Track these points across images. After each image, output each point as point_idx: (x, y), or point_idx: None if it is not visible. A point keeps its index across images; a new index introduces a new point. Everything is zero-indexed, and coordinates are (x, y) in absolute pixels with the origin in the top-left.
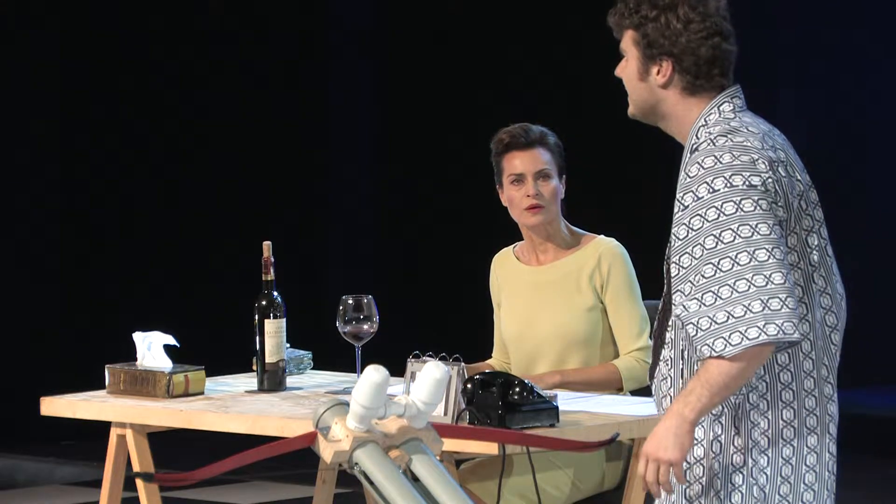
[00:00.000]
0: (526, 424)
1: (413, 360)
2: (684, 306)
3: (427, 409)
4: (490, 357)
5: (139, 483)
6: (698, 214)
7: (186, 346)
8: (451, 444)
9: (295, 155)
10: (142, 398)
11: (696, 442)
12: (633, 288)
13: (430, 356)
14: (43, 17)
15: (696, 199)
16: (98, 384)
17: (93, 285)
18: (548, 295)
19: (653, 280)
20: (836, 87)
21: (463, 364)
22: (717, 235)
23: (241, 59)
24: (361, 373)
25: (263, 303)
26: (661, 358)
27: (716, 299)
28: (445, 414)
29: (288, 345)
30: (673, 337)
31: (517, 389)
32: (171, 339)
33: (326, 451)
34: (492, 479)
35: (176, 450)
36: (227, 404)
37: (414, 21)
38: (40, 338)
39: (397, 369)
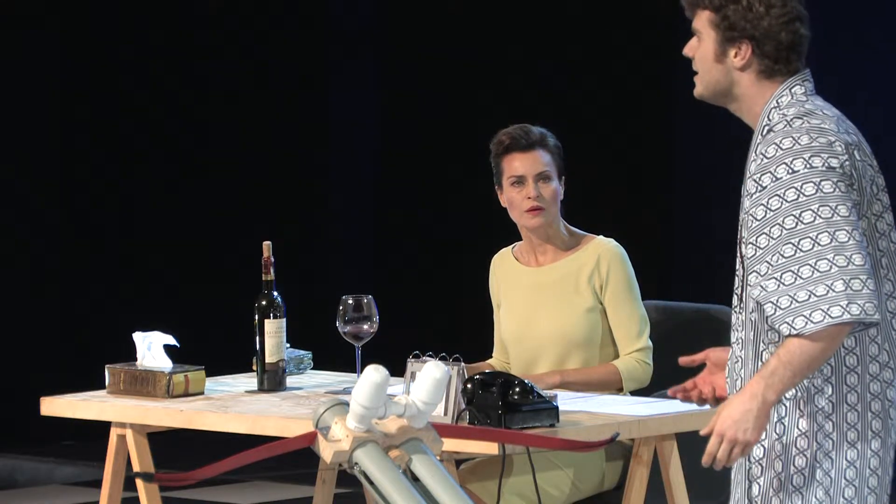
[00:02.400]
0: (526, 424)
1: (413, 360)
2: (762, 286)
3: (427, 409)
4: (490, 357)
5: (139, 483)
6: (776, 195)
7: (186, 347)
8: (451, 444)
9: (295, 155)
10: (142, 398)
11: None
12: (632, 288)
13: (429, 356)
14: (43, 17)
15: (774, 179)
16: (98, 384)
17: (93, 285)
18: (547, 296)
19: (652, 280)
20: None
21: (463, 364)
22: (797, 216)
23: (241, 59)
24: (361, 373)
25: (263, 303)
26: (734, 340)
27: (795, 279)
28: (445, 414)
29: (288, 345)
30: (744, 319)
31: (517, 389)
32: (171, 339)
33: (326, 451)
34: (492, 479)
35: (176, 450)
36: (227, 404)
37: (414, 21)
38: (40, 338)
39: (397, 369)
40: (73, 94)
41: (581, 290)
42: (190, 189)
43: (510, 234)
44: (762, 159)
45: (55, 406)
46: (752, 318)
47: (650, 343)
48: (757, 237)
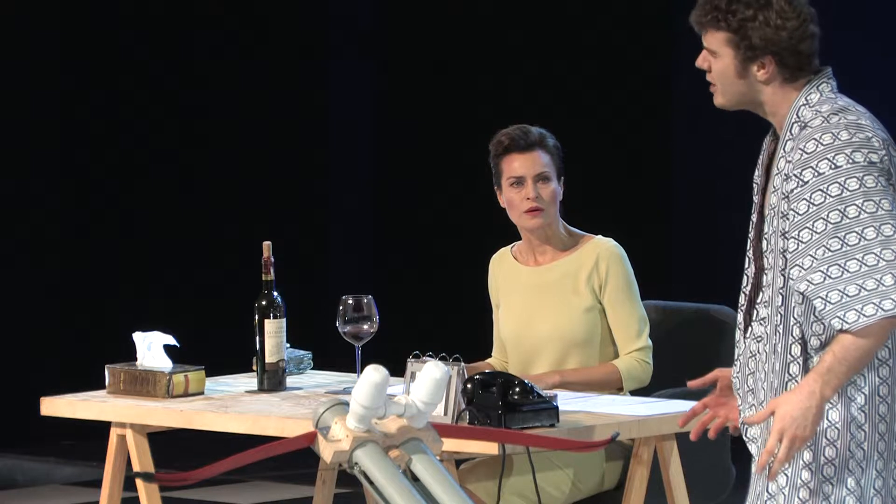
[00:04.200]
0: (526, 424)
1: (413, 359)
2: (808, 280)
3: (427, 409)
4: (490, 357)
5: (139, 483)
6: (820, 190)
7: (186, 347)
8: (450, 444)
9: (295, 155)
10: (142, 398)
11: None
12: (631, 288)
13: (429, 356)
14: (43, 17)
15: (816, 174)
16: (98, 384)
17: (93, 285)
18: (546, 296)
19: (651, 280)
20: None
21: (463, 364)
22: (842, 210)
23: (241, 58)
24: (361, 373)
25: (263, 303)
26: (750, 334)
27: (843, 272)
28: (445, 414)
29: (288, 345)
30: (768, 314)
31: (517, 389)
32: (171, 340)
33: (326, 451)
34: (492, 479)
35: (176, 450)
36: (227, 404)
37: (414, 21)
38: (40, 338)
39: (397, 369)
40: (72, 94)
41: (580, 289)
42: (190, 189)
43: (510, 234)
44: (801, 154)
45: (55, 406)
46: (781, 312)
47: (650, 342)
48: (800, 231)
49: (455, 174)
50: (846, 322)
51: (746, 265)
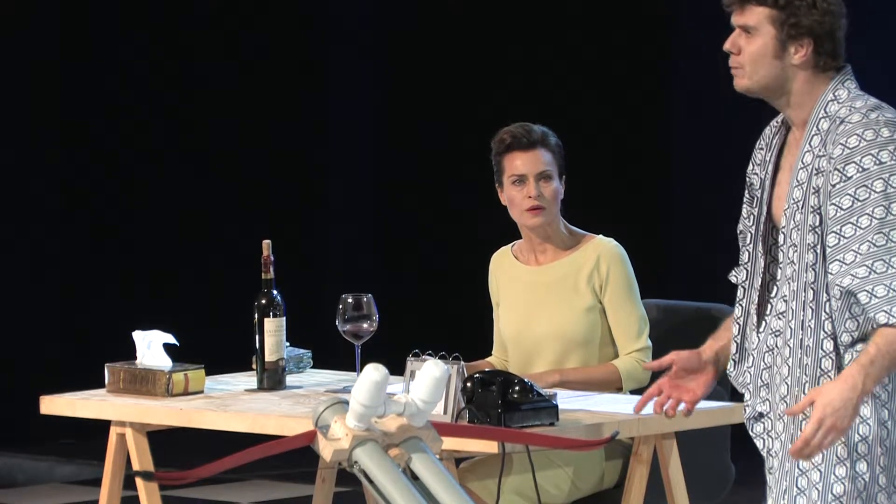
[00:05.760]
0: (525, 423)
1: (412, 358)
2: (852, 274)
3: (426, 408)
4: (490, 355)
5: (139, 482)
6: (864, 185)
7: (186, 345)
8: (450, 443)
9: (295, 155)
10: (141, 397)
11: None
12: (632, 288)
13: (429, 355)
14: (42, 17)
15: (860, 170)
16: (98, 383)
17: (93, 285)
18: (546, 295)
19: (651, 280)
20: None
21: (462, 362)
22: (886, 207)
23: (241, 58)
24: (361, 371)
25: (263, 301)
26: (765, 329)
27: (887, 268)
28: (445, 412)
29: (287, 343)
30: (795, 307)
31: (517, 388)
32: (170, 338)
33: (326, 450)
34: (491, 477)
35: (175, 449)
36: (227, 403)
37: (414, 21)
38: (40, 337)
39: (397, 368)
40: (72, 94)
41: (580, 289)
42: (189, 187)
43: (510, 232)
44: (843, 150)
45: (55, 405)
46: (812, 307)
47: (650, 343)
48: (842, 226)
49: (455, 173)
50: (892, 316)
51: (745, 259)
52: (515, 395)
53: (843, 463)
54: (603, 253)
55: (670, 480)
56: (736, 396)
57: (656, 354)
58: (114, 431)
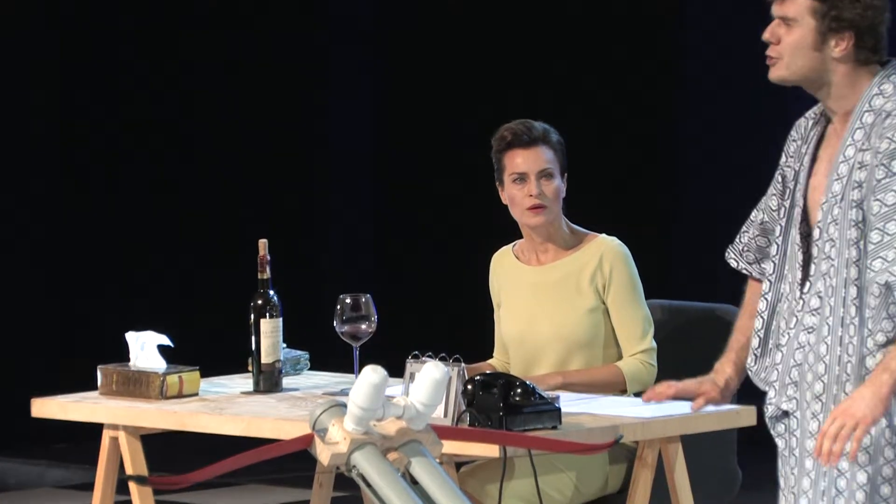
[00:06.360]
0: (527, 426)
1: (412, 360)
2: (891, 272)
3: (426, 411)
4: (491, 357)
5: (132, 486)
6: None
7: (181, 347)
8: (450, 447)
9: (294, 155)
10: (135, 399)
11: None
12: (636, 288)
13: (429, 356)
14: (42, 17)
15: None
16: (90, 385)
17: (86, 284)
18: (548, 296)
19: (656, 279)
20: None
21: (463, 364)
22: None
23: (241, 58)
24: (359, 373)
25: (259, 302)
26: (797, 325)
27: None
28: (445, 415)
29: (284, 345)
30: (833, 303)
31: (518, 391)
32: (165, 339)
33: (323, 454)
34: (492, 482)
35: (170, 452)
36: (222, 406)
37: (414, 21)
38: (31, 338)
39: (396, 370)
40: (71, 94)
41: (583, 290)
42: (185, 186)
43: (511, 232)
44: (889, 144)
45: (46, 407)
46: (856, 304)
47: (654, 344)
48: (886, 223)
49: (455, 173)
50: None
51: (774, 252)
52: (517, 398)
53: (890, 464)
54: (606, 252)
55: (675, 485)
56: (743, 399)
57: (661, 356)
58: (106, 435)
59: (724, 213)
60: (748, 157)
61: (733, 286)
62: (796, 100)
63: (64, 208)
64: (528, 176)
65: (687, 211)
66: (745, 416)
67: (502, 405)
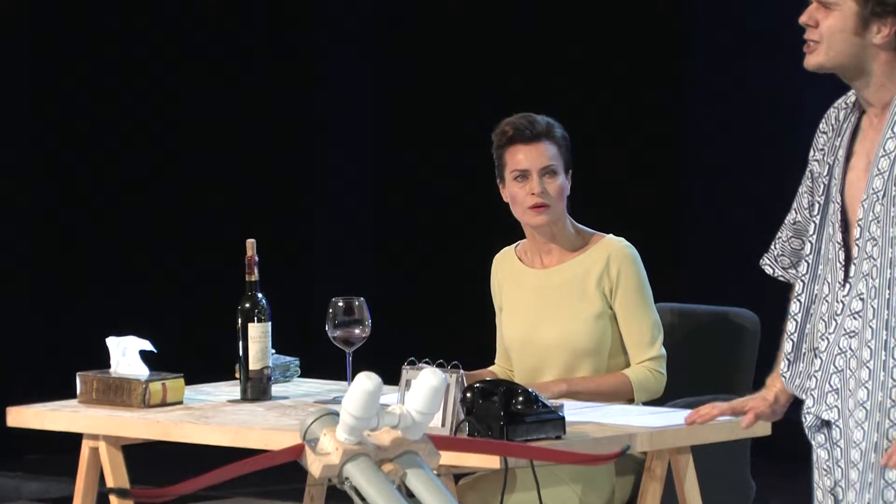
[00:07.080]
0: (530, 436)
1: (408, 367)
2: None
3: (423, 420)
4: (492, 364)
5: (113, 499)
6: None
7: (164, 353)
8: (448, 458)
9: (291, 153)
10: (116, 408)
11: None
12: (644, 292)
13: (426, 363)
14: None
15: None
16: (69, 393)
17: (64, 287)
18: (552, 300)
19: (665, 281)
20: None
21: (462, 371)
22: None
23: (240, 58)
24: (352, 381)
25: (247, 305)
26: (836, 329)
27: None
28: (443, 425)
29: (273, 350)
30: (877, 305)
31: (520, 399)
32: (147, 345)
33: (315, 465)
34: (493, 495)
35: (153, 464)
36: (208, 414)
37: (414, 21)
38: (7, 344)
39: (391, 377)
40: (44, 91)
41: (589, 294)
42: (168, 185)
43: (513, 231)
44: None
45: (22, 417)
46: (888, 305)
47: (664, 351)
48: None
49: (454, 173)
50: None
51: (808, 251)
52: (519, 407)
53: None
54: (613, 254)
55: (686, 497)
56: None
57: (670, 361)
58: (86, 445)
59: (738, 214)
60: (761, 154)
61: (747, 290)
62: (812, 100)
63: (38, 210)
64: (530, 173)
65: (698, 210)
66: (759, 425)
67: (503, 414)
